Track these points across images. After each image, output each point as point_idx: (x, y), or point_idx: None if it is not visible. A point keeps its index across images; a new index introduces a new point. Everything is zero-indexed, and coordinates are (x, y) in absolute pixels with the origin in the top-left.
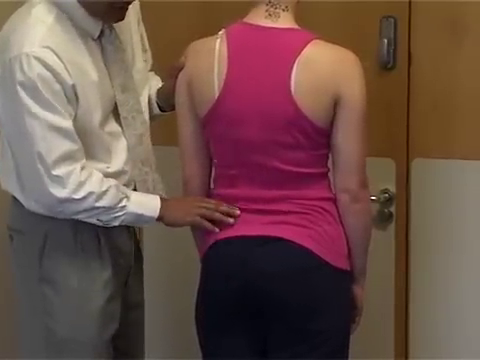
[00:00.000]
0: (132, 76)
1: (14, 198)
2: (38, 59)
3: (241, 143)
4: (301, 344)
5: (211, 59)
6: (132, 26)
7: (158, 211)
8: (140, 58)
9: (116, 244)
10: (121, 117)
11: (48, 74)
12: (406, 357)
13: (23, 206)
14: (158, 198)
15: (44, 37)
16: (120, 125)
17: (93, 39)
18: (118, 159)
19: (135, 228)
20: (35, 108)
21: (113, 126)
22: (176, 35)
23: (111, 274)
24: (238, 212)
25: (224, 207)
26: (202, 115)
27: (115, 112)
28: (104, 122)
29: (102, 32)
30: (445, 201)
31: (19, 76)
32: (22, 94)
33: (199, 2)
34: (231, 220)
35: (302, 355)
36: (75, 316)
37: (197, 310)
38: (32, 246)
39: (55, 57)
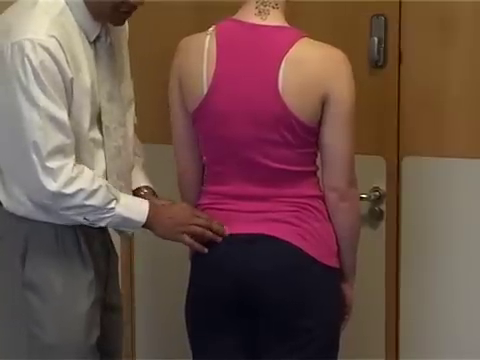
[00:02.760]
0: (119, 87)
1: None
2: (43, 47)
3: (229, 140)
4: (291, 341)
5: (200, 55)
6: (124, 43)
7: (145, 217)
8: (128, 76)
9: (94, 247)
10: (103, 125)
11: (51, 63)
12: (396, 357)
13: (1, 210)
14: (147, 203)
15: (50, 27)
16: (101, 134)
17: (89, 41)
18: (98, 168)
19: (108, 230)
20: (36, 95)
21: (96, 133)
22: (169, 36)
23: (93, 277)
24: (226, 233)
25: (214, 226)
26: (191, 111)
27: (98, 120)
28: (90, 127)
29: (98, 37)
30: (435, 199)
31: (22, 61)
32: (23, 80)
33: (193, 2)
34: (220, 239)
35: (292, 352)
36: (61, 322)
37: (186, 308)
38: (12, 251)
39: (59, 48)
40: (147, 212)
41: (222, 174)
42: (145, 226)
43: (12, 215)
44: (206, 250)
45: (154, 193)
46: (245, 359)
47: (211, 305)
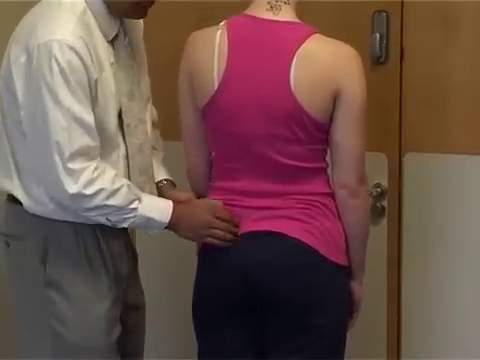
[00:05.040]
0: (139, 85)
1: (10, 203)
2: (71, 48)
3: (239, 136)
4: (299, 338)
5: (211, 50)
6: (140, 42)
7: (169, 218)
8: (146, 74)
9: (113, 246)
10: (124, 124)
11: (79, 64)
12: (398, 357)
13: (21, 210)
14: (171, 204)
15: (75, 27)
16: (122, 132)
17: (107, 41)
18: (120, 166)
19: (128, 230)
20: (62, 96)
21: (118, 132)
22: (178, 34)
23: (114, 276)
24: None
25: (234, 229)
26: (201, 106)
27: (119, 118)
28: (115, 126)
29: (116, 36)
30: (437, 195)
31: (49, 62)
32: (49, 80)
33: (198, 2)
34: (239, 240)
35: (300, 349)
36: (84, 320)
37: (193, 304)
38: (34, 251)
39: (85, 48)
40: (170, 213)
41: (232, 170)
42: (168, 227)
43: (32, 215)
44: (230, 243)
45: (174, 185)
46: (252, 355)
47: (218, 302)
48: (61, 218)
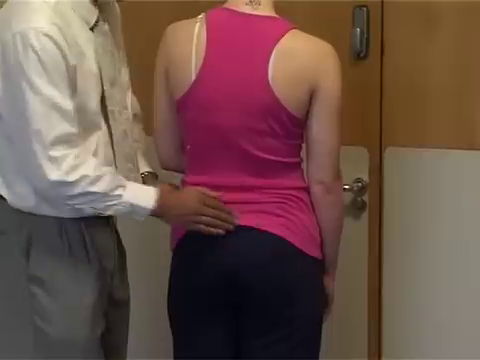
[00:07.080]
0: (120, 71)
1: None
2: (47, 35)
3: (216, 129)
4: (276, 331)
5: (189, 43)
6: (119, 31)
7: (153, 204)
8: (125, 63)
9: (99, 241)
10: (108, 110)
11: (56, 51)
12: (379, 356)
13: (3, 204)
14: (154, 190)
15: (50, 16)
16: (107, 119)
17: (88, 27)
18: (107, 153)
19: (115, 225)
20: (40, 83)
21: (102, 119)
22: (154, 31)
23: (98, 271)
24: (237, 221)
25: (223, 215)
26: (177, 98)
27: (102, 105)
28: (96, 112)
29: (96, 22)
30: (418, 190)
31: (25, 50)
32: (27, 68)
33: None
34: (230, 227)
35: (277, 342)
36: (67, 315)
37: (169, 301)
38: (16, 246)
39: (61, 35)
40: (154, 199)
41: (207, 163)
42: (154, 214)
43: (15, 209)
44: (222, 232)
45: (156, 177)
46: (230, 351)
47: (194, 299)
48: (45, 213)
